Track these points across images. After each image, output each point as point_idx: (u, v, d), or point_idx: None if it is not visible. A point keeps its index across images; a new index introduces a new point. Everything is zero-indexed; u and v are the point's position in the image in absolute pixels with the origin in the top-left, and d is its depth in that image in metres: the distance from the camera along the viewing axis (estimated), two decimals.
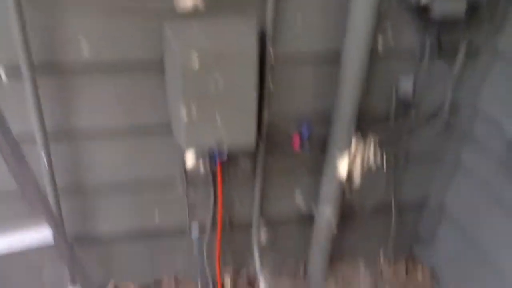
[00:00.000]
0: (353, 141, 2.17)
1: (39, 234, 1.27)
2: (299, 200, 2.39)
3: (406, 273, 2.77)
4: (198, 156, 2.07)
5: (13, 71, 1.71)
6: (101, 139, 1.99)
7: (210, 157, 2.05)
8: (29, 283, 2.36)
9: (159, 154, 2.08)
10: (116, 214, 2.22)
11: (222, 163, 2.08)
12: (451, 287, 2.59)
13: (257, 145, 1.99)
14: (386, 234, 2.64)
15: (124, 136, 2.00)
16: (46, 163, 1.87)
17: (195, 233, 1.41)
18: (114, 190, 2.14)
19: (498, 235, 2.19)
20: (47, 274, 2.35)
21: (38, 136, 1.83)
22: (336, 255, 2.69)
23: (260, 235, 2.41)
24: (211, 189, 2.20)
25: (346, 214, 2.43)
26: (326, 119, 2.10)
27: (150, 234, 2.34)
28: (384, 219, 2.61)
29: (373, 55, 1.93)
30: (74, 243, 2.25)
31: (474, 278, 2.39)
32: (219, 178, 2.10)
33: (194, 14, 1.75)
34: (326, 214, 2.26)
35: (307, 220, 2.44)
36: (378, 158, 2.34)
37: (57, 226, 1.27)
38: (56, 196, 1.98)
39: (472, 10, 1.88)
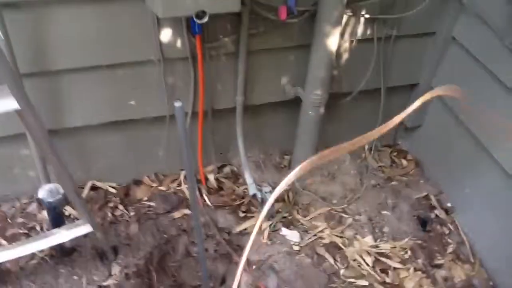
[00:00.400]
0: (344, 16, 2.00)
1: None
2: (286, 83, 2.24)
3: (391, 163, 2.75)
4: (175, 27, 1.86)
5: None
6: (58, 6, 1.72)
7: (189, 28, 1.84)
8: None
9: (129, 28, 1.84)
10: (88, 104, 2.02)
11: (202, 39, 1.88)
12: (439, 176, 2.58)
13: (240, 14, 1.80)
14: (373, 121, 2.55)
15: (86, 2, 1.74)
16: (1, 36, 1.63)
17: (178, 104, 1.25)
18: (82, 74, 1.91)
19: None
20: (19, 171, 2.20)
21: None
22: (321, 146, 2.62)
23: (244, 124, 2.28)
24: (191, 70, 2.01)
25: (334, 98, 2.30)
26: None
27: (128, 127, 2.18)
28: (371, 105, 2.52)
29: None
30: None
31: (463, 168, 2.36)
32: (199, 55, 1.90)
33: None
34: (314, 97, 2.13)
35: (294, 106, 2.31)
36: (369, 34, 2.19)
37: (22, 93, 1.10)
38: (19, 78, 1.76)
39: None
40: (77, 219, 2.05)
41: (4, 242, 2.12)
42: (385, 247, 2.26)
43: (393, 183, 2.61)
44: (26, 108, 1.09)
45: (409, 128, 2.73)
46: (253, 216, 2.32)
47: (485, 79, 2.08)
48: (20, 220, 2.21)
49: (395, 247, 2.26)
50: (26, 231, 2.16)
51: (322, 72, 2.04)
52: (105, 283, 1.96)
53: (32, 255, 2.06)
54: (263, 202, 2.13)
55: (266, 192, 2.08)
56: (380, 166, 2.70)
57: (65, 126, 2.04)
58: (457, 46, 2.25)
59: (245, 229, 2.27)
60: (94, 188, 2.37)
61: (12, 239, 2.13)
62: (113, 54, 1.90)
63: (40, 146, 1.32)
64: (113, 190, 2.37)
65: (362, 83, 2.34)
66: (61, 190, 1.76)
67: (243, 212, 2.34)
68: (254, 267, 2.16)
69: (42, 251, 2.07)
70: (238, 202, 2.38)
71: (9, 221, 2.20)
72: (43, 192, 1.76)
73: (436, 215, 2.41)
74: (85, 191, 2.32)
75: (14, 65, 1.69)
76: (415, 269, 2.18)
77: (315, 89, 2.11)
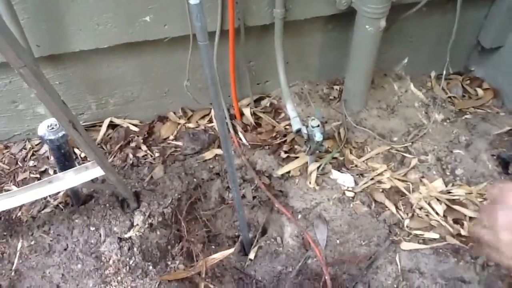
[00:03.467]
0: None
1: None
2: None
3: (463, 92, 2.29)
4: None
5: None
6: None
7: None
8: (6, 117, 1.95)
9: None
10: (94, 22, 1.64)
11: None
12: None
13: None
14: (442, 42, 2.09)
15: None
16: None
17: (193, 0, 0.87)
18: None
19: None
20: (24, 107, 1.92)
21: None
22: (378, 73, 2.19)
23: (284, 46, 1.87)
24: None
25: (394, 10, 1.83)
26: None
27: (144, 51, 1.82)
28: (441, 21, 2.05)
29: None
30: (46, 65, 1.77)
31: None
32: None
33: None
34: (373, 6, 1.68)
35: (346, 22, 1.88)
36: None
37: None
38: None
39: None
40: None
41: (15, 188, 1.87)
42: (458, 192, 1.86)
43: (466, 116, 2.16)
44: None
45: (486, 49, 2.24)
46: (297, 157, 1.96)
47: None
48: (31, 163, 1.95)
49: (471, 193, 1.86)
50: (38, 176, 1.90)
51: None
52: (126, 235, 1.69)
53: (45, 204, 1.81)
54: (309, 139, 1.75)
55: (313, 127, 1.69)
56: (449, 97, 2.25)
57: (69, 50, 1.69)
58: None
59: (288, 172, 1.92)
60: (113, 126, 2.07)
61: (24, 185, 1.87)
62: None
63: (15, 67, 0.98)
64: (135, 128, 2.06)
65: None
66: None
67: (285, 152, 1.99)
68: (299, 216, 1.82)
69: (55, 198, 1.81)
70: (279, 141, 2.02)
71: (20, 164, 1.95)
72: (43, 128, 1.46)
73: None
74: (103, 129, 2.02)
75: None
76: None
77: None
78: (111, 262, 1.62)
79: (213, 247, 1.89)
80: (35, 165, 1.94)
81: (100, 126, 2.03)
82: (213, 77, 1.09)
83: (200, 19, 0.95)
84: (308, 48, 2.05)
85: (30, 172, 1.91)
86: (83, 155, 1.96)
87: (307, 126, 1.74)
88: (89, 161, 1.50)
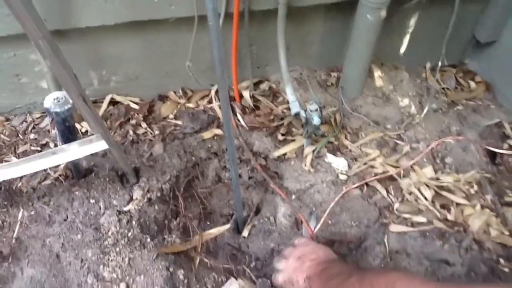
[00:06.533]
0: None
1: None
2: None
3: (456, 84, 2.35)
4: None
5: None
6: None
7: None
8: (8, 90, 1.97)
9: None
10: (106, 0, 1.67)
11: None
12: None
13: None
14: (439, 36, 2.14)
15: None
16: None
17: None
18: None
19: None
20: (28, 80, 1.94)
21: None
22: (375, 61, 2.24)
23: (286, 32, 1.91)
24: None
25: (397, 1, 1.88)
26: None
27: (149, 30, 1.85)
28: (439, 15, 2.10)
29: None
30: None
31: None
32: None
33: None
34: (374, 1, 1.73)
35: (347, 11, 1.92)
36: None
37: None
38: None
39: None
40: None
41: (15, 159, 1.90)
42: (447, 180, 1.93)
43: (458, 108, 2.23)
44: None
45: (481, 44, 2.30)
46: (293, 140, 2.01)
47: None
48: (32, 136, 1.97)
49: (458, 181, 1.93)
50: (38, 148, 1.93)
51: None
52: (125, 208, 1.73)
53: (45, 175, 1.84)
54: (307, 122, 1.80)
55: (312, 111, 1.74)
56: (443, 88, 2.31)
57: (76, 26, 1.71)
58: None
59: (285, 154, 1.98)
60: (114, 103, 2.10)
61: (24, 157, 1.90)
62: None
63: (33, 38, 1.01)
64: (135, 106, 2.10)
65: None
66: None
67: (282, 135, 2.04)
68: (293, 197, 1.88)
69: (55, 171, 1.84)
70: (276, 124, 2.07)
71: (20, 137, 1.97)
72: (49, 101, 1.49)
73: (510, 146, 2.04)
74: (104, 106, 2.05)
75: None
76: (482, 207, 1.85)
77: None
78: (110, 233, 1.66)
79: (208, 223, 1.94)
80: (35, 138, 1.96)
81: (101, 102, 2.06)
82: (221, 57, 1.14)
83: (212, 0, 0.99)
84: (309, 35, 2.09)
85: (30, 145, 1.93)
86: (83, 130, 1.99)
87: (305, 110, 1.79)
88: (92, 134, 1.54)
